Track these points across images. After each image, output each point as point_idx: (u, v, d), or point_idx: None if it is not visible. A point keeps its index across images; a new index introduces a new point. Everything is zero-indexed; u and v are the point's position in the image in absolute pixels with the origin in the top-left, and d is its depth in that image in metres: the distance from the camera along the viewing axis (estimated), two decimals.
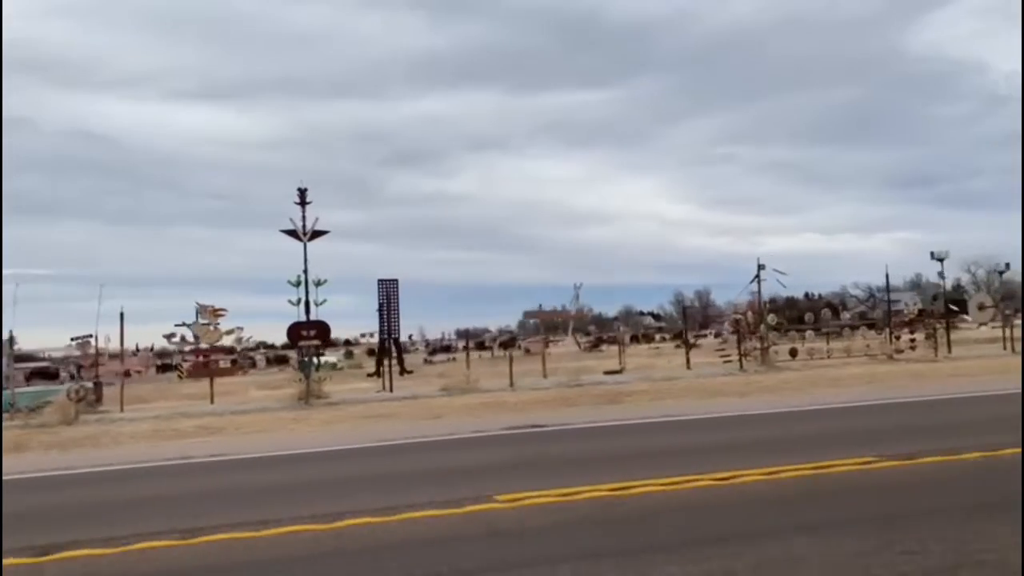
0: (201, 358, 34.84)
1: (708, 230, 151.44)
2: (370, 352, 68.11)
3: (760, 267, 27.19)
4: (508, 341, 66.37)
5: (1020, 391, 13.88)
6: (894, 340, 27.69)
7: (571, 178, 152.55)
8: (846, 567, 5.12)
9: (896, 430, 11.63)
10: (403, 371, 29.44)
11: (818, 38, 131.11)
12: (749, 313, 27.61)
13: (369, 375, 33.38)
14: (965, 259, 69.18)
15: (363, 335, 68.90)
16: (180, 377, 44.77)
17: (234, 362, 52.55)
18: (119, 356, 28.93)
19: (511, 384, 24.77)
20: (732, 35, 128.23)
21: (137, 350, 58.15)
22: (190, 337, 27.14)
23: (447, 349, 76.19)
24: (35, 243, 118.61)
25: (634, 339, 74.92)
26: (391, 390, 25.88)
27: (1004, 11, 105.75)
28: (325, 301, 24.20)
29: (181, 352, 40.54)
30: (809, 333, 30.78)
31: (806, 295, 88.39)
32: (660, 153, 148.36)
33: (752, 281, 27.22)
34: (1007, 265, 36.37)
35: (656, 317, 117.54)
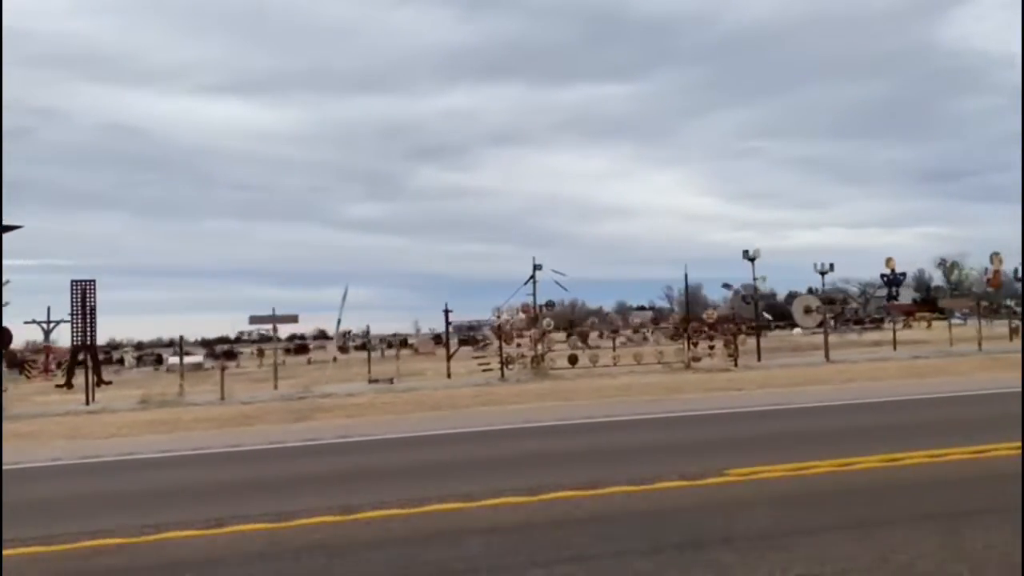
0: None
1: (732, 224, 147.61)
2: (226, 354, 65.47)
3: (536, 267, 24.14)
4: (402, 341, 62.89)
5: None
6: (692, 347, 24.82)
7: (594, 172, 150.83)
8: None
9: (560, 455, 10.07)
10: (100, 381, 25.53)
11: (844, 32, 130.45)
12: (521, 316, 24.43)
13: (58, 386, 29.51)
14: (935, 255, 66.89)
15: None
16: None
17: None
18: None
19: (222, 397, 21.12)
20: (758, 29, 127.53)
21: None
22: None
23: (303, 349, 71.95)
24: (62, 234, 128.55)
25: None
26: (88, 402, 22.07)
27: None
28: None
29: None
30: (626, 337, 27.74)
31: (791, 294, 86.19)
32: (684, 147, 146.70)
33: (527, 282, 24.12)
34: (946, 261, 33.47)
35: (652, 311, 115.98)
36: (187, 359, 57.70)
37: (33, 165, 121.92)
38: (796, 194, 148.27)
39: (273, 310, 23.04)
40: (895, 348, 28.26)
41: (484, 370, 23.59)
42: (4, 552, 6.09)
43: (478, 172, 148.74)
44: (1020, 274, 32.70)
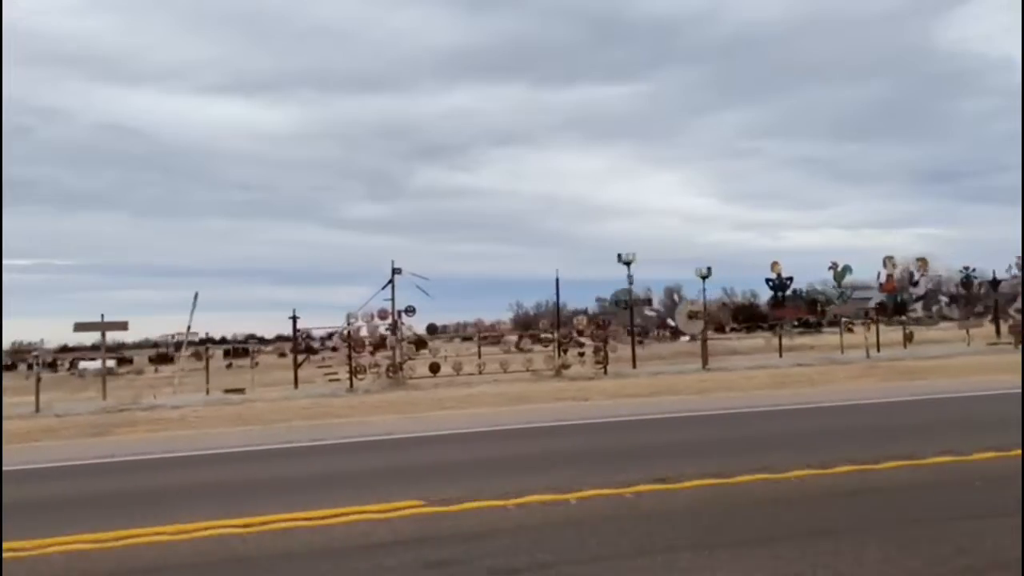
0: None
1: (731, 224, 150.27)
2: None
3: (395, 271, 22.75)
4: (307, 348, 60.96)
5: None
6: (562, 354, 23.77)
7: (594, 172, 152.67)
8: None
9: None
10: None
11: (844, 34, 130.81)
12: (376, 321, 23.04)
13: None
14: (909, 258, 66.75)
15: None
16: None
17: None
18: None
19: (37, 409, 19.38)
20: (758, 30, 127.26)
21: None
22: None
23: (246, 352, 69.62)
24: (62, 233, 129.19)
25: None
26: None
27: None
28: None
29: None
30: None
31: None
32: (684, 147, 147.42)
33: (384, 287, 22.77)
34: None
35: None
36: (99, 364, 55.42)
37: (33, 164, 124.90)
38: (795, 195, 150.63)
39: (102, 316, 21.35)
40: (780, 355, 27.66)
41: (331, 380, 22.19)
42: None
43: (479, 172, 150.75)
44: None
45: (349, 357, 22.32)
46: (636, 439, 11.30)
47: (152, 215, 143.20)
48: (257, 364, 27.61)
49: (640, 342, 41.00)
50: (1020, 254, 33.20)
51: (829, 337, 38.96)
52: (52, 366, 68.31)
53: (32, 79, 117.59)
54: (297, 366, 23.07)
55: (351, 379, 22.05)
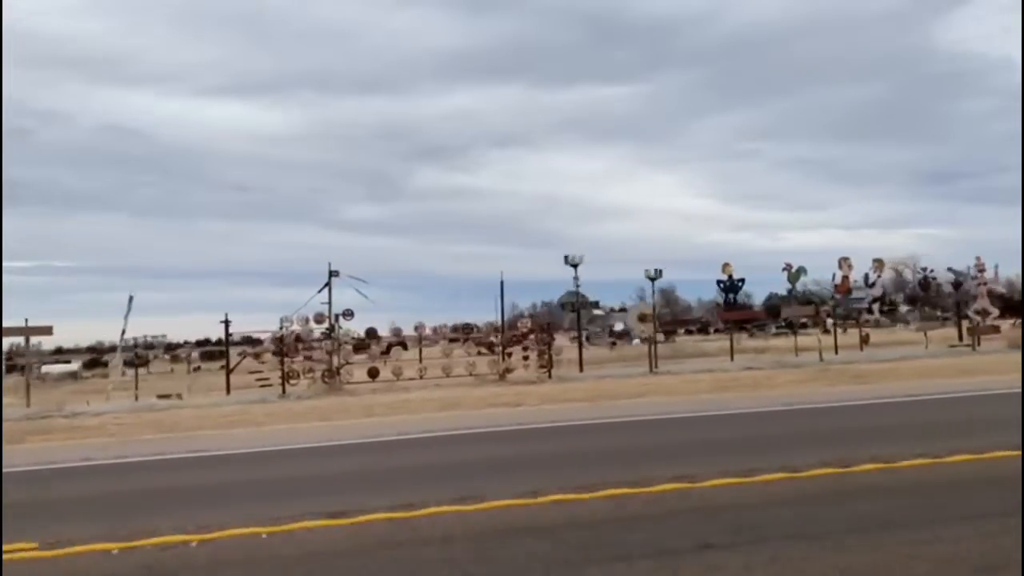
0: None
1: (730, 225, 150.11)
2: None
3: (332, 273, 22.21)
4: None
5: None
6: (506, 358, 23.32)
7: (594, 173, 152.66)
8: None
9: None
10: None
11: (843, 34, 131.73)
12: (311, 325, 22.47)
13: None
14: (893, 260, 66.46)
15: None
16: None
17: None
18: None
19: None
20: (757, 31, 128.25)
21: None
22: None
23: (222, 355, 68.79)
24: (61, 235, 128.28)
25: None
26: None
27: None
28: None
29: None
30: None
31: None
32: (683, 148, 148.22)
33: (321, 290, 22.23)
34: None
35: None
36: (62, 368, 54.44)
37: (33, 166, 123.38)
38: (794, 195, 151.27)
39: (26, 320, 20.70)
40: (732, 359, 27.34)
41: (262, 386, 21.62)
42: None
43: (478, 173, 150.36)
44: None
45: (281, 362, 21.77)
46: (542, 447, 10.99)
47: (151, 216, 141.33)
48: (198, 368, 26.96)
49: (613, 343, 41.11)
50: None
51: (804, 339, 38.74)
52: (15, 369, 67.00)
53: (31, 81, 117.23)
54: (229, 371, 22.46)
55: (283, 385, 21.53)
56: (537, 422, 13.50)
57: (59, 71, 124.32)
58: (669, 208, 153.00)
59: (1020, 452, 8.04)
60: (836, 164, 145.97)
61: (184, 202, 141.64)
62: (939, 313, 38.45)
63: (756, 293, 77.67)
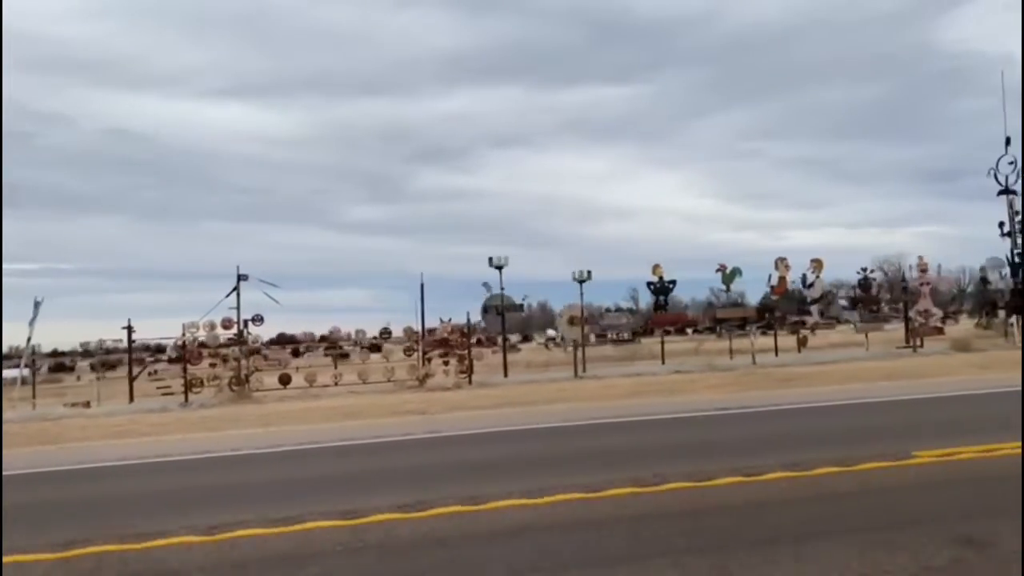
0: None
1: (732, 225, 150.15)
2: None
3: (240, 277, 21.35)
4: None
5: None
6: (426, 363, 22.67)
7: (595, 174, 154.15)
8: None
9: None
10: None
11: (845, 34, 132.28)
12: (218, 331, 21.62)
13: None
14: (877, 258, 66.35)
15: None
16: None
17: None
18: None
19: None
20: (758, 31, 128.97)
21: None
22: None
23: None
24: (63, 238, 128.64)
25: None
26: None
27: None
28: None
29: None
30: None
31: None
32: (685, 148, 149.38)
33: (228, 294, 21.39)
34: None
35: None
36: (12, 373, 52.61)
37: (36, 169, 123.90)
38: (795, 195, 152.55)
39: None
40: (663, 362, 26.96)
41: (164, 394, 20.75)
42: None
43: (479, 174, 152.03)
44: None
45: (184, 369, 20.91)
46: (422, 458, 10.50)
47: (154, 219, 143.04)
48: (103, 376, 25.95)
49: (547, 345, 40.54)
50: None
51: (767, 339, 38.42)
52: None
53: (34, 84, 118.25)
54: (132, 379, 21.52)
55: (186, 393, 20.66)
56: (429, 432, 12.94)
57: (61, 75, 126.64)
58: (671, 208, 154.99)
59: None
60: (838, 163, 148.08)
61: (186, 204, 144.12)
62: (881, 313, 38.32)
63: (749, 293, 78.48)
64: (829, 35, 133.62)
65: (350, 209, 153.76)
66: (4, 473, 10.57)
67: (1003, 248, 32.12)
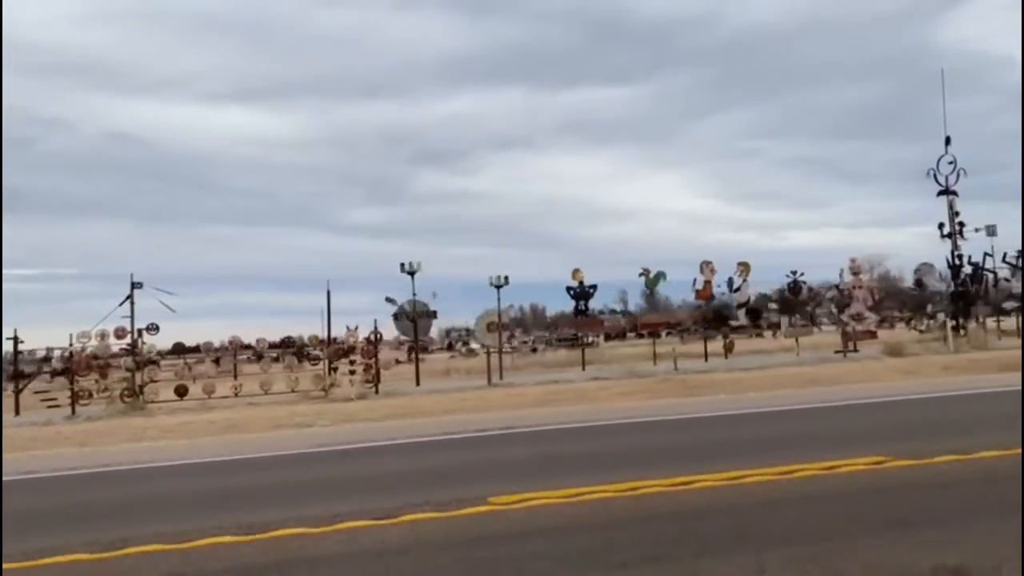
0: None
1: (732, 225, 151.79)
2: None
3: (135, 285, 20.58)
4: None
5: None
6: (332, 372, 22.12)
7: (595, 175, 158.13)
8: None
9: None
10: None
11: (845, 34, 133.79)
12: (110, 340, 20.88)
13: None
14: (863, 257, 65.94)
15: None
16: None
17: None
18: None
19: None
20: (758, 31, 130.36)
21: None
22: None
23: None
24: (64, 243, 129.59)
25: None
26: None
27: None
28: None
29: None
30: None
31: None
32: (685, 149, 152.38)
33: (122, 303, 20.59)
34: None
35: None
36: None
37: (36, 174, 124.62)
38: (796, 195, 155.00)
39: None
40: (583, 368, 26.67)
41: (49, 407, 19.92)
42: None
43: (480, 176, 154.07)
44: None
45: (71, 381, 20.13)
46: (283, 476, 10.03)
47: (154, 223, 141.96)
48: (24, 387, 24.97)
49: (465, 351, 40.27)
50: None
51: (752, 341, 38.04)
52: None
53: (35, 90, 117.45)
54: (18, 391, 20.64)
55: (72, 405, 19.85)
56: (300, 448, 12.47)
57: (62, 80, 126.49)
58: (671, 208, 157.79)
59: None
60: (838, 163, 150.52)
61: (187, 208, 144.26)
62: (810, 317, 38.58)
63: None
64: (829, 36, 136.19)
65: (351, 212, 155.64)
66: None
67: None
